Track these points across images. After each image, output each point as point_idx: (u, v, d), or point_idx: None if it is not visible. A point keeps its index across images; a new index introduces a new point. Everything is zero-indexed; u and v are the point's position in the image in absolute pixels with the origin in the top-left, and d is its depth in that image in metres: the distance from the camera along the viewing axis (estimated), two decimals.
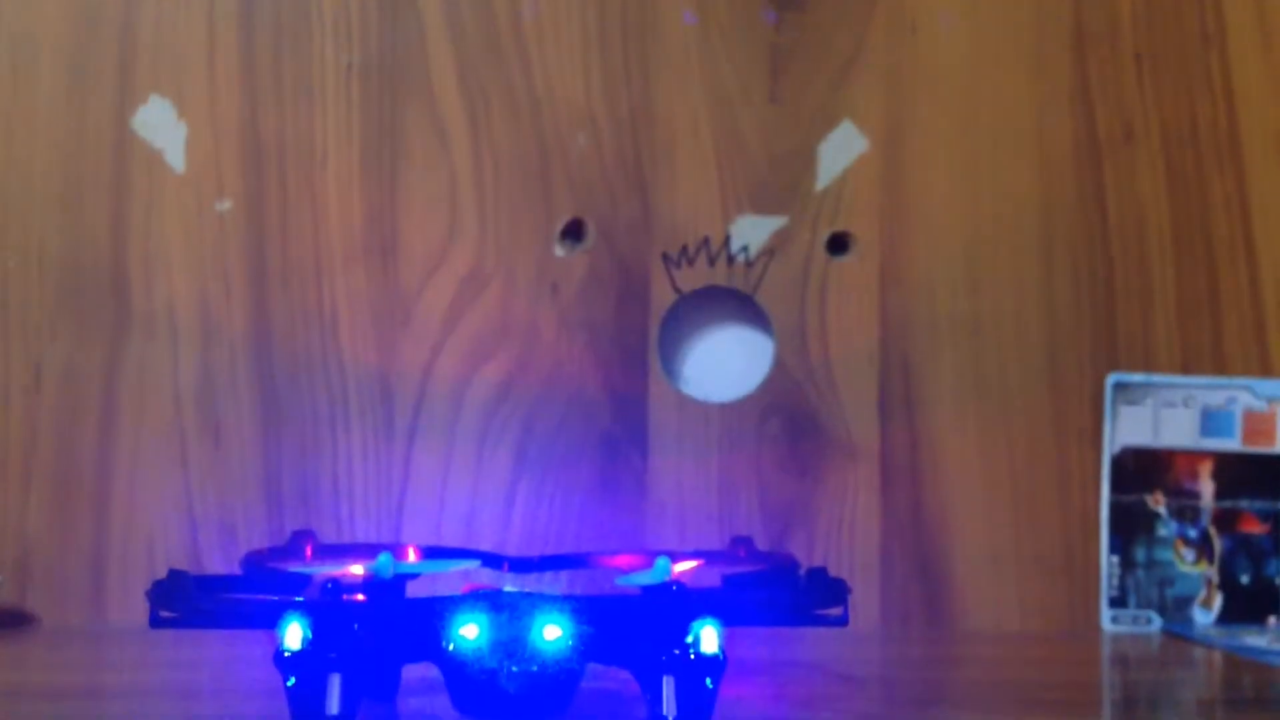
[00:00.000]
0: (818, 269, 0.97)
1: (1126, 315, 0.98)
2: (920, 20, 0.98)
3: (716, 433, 0.96)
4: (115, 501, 0.95)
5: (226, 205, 0.96)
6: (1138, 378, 0.97)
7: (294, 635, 0.59)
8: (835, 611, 0.64)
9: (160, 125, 0.95)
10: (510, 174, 0.96)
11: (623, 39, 0.97)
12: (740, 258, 0.97)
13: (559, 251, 0.97)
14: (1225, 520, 0.98)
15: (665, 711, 0.61)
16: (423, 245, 0.96)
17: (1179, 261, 0.98)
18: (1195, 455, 0.98)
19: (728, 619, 0.61)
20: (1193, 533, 0.98)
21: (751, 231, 0.97)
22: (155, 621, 0.62)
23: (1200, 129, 0.98)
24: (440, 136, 0.96)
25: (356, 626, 0.59)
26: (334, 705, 0.59)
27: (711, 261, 0.96)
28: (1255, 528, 0.98)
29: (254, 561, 0.70)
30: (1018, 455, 0.97)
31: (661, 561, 0.64)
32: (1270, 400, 0.98)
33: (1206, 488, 0.98)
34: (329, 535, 0.95)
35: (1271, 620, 0.98)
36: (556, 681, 0.60)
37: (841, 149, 0.97)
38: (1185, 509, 0.98)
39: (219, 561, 0.95)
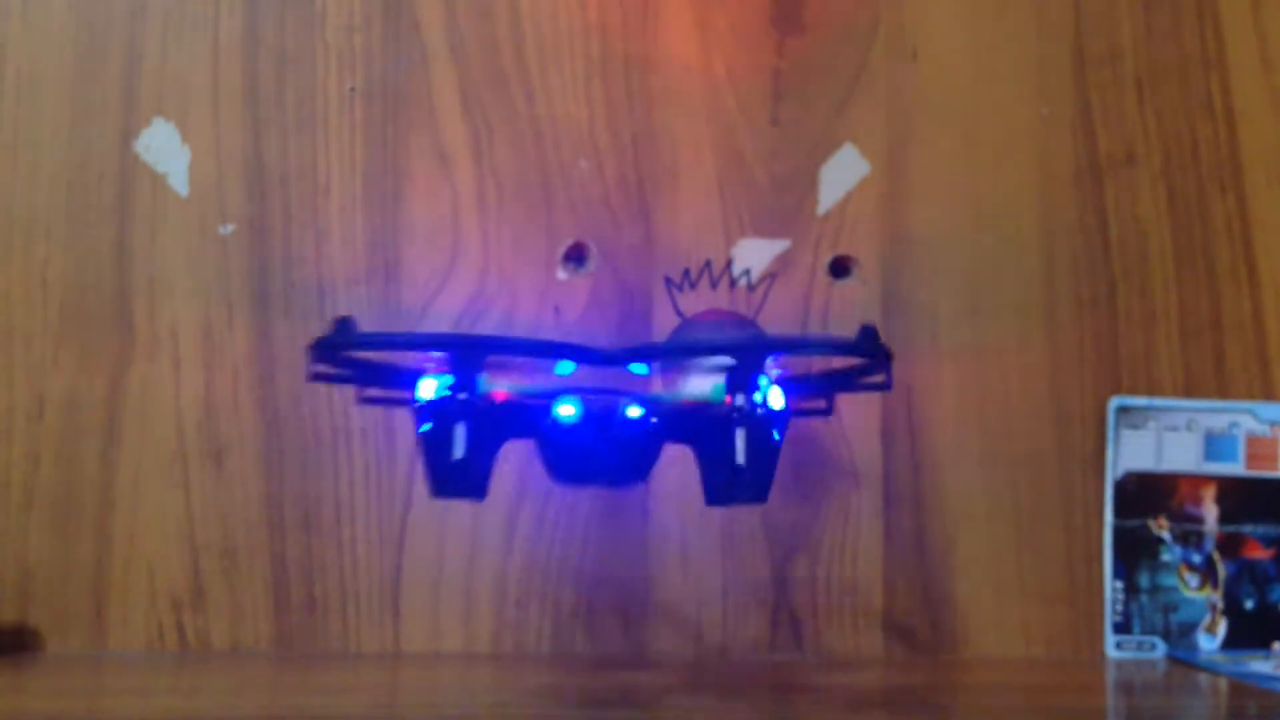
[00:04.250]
0: (820, 292, 0.97)
1: (1129, 338, 0.98)
2: (921, 44, 0.98)
3: None
4: (117, 526, 0.95)
5: (230, 229, 0.96)
6: (1140, 401, 0.97)
7: (429, 388, 0.67)
8: (879, 379, 0.72)
9: (164, 149, 0.96)
10: (513, 198, 0.97)
11: (624, 64, 0.97)
12: (742, 281, 0.97)
13: (561, 275, 0.97)
14: (1229, 545, 0.98)
15: (739, 460, 0.68)
16: (425, 269, 0.96)
17: (1181, 284, 0.98)
18: (1198, 479, 0.98)
19: (788, 384, 0.68)
20: (1196, 558, 0.98)
21: (754, 255, 0.97)
22: (313, 376, 0.71)
23: (1201, 151, 0.99)
24: (442, 161, 0.96)
25: (481, 385, 0.67)
26: (459, 449, 0.68)
27: (714, 285, 0.96)
28: (1259, 553, 0.98)
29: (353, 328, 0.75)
30: (1020, 480, 0.97)
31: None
32: (1273, 424, 0.98)
33: (1210, 512, 0.98)
34: (330, 559, 0.95)
35: (1276, 646, 0.97)
36: (637, 451, 0.70)
37: (843, 172, 0.97)
38: (1189, 534, 0.98)
39: (221, 588, 0.95)
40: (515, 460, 0.96)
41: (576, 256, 0.97)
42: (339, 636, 0.95)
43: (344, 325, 0.75)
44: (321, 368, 0.72)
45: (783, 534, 0.96)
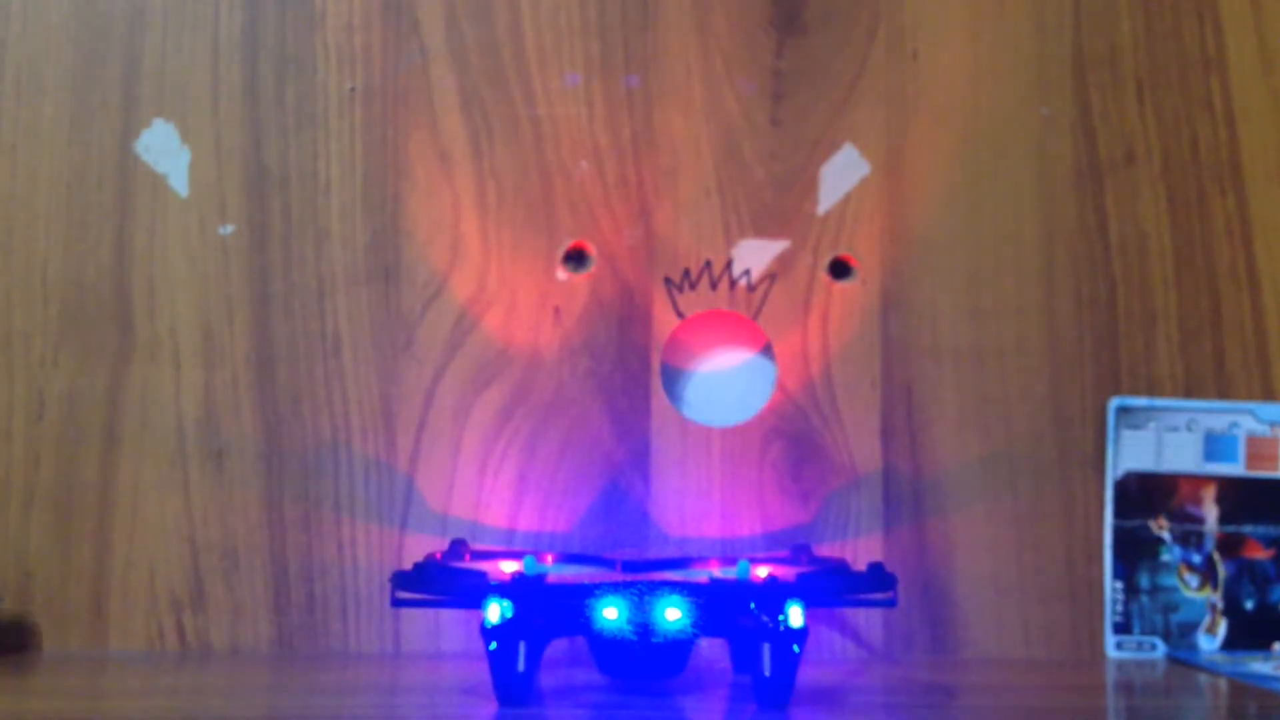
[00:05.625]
0: (820, 293, 0.97)
1: (1129, 339, 0.98)
2: (921, 44, 0.98)
3: (719, 457, 0.96)
4: (117, 527, 0.95)
5: (229, 230, 0.96)
6: (1140, 402, 0.97)
7: (495, 612, 0.78)
8: (887, 595, 0.84)
9: (164, 150, 0.96)
10: (512, 199, 0.97)
11: (624, 64, 0.97)
12: (742, 281, 0.97)
13: (561, 275, 0.97)
14: (1229, 545, 0.98)
15: (765, 671, 0.79)
16: (425, 269, 0.96)
17: (1181, 285, 0.98)
18: (1198, 480, 0.98)
19: (809, 601, 0.79)
20: (1196, 558, 0.98)
21: (753, 255, 0.97)
22: (395, 602, 0.83)
23: (1201, 152, 0.99)
24: (443, 161, 0.96)
25: (538, 606, 0.78)
26: (521, 664, 0.79)
27: (714, 285, 0.96)
28: (1259, 553, 0.98)
29: (431, 564, 0.87)
30: (1020, 480, 0.97)
31: (743, 564, 0.81)
32: (1273, 424, 0.98)
33: (1210, 512, 0.98)
34: (330, 559, 0.95)
35: (1276, 646, 0.97)
36: (676, 649, 0.82)
37: (843, 173, 0.97)
38: (1189, 534, 0.98)
39: (221, 588, 0.95)
40: (514, 458, 0.96)
41: (576, 256, 0.97)
42: (339, 636, 0.95)
43: (456, 546, 0.89)
44: (403, 594, 0.84)
45: (783, 533, 0.96)
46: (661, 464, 0.96)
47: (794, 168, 0.97)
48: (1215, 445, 0.98)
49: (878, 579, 0.84)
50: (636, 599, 0.78)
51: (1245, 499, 0.98)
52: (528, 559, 0.82)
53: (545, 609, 0.79)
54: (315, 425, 0.95)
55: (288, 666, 0.92)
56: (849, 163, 0.97)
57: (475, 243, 0.96)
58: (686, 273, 0.97)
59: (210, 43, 0.96)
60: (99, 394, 0.95)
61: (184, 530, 0.95)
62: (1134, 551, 0.97)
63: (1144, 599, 0.97)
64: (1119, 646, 0.97)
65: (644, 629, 0.78)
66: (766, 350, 0.97)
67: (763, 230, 0.97)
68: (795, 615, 0.78)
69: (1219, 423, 0.98)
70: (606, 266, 0.97)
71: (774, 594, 0.79)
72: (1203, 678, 0.92)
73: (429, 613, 0.95)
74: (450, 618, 0.95)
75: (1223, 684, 0.90)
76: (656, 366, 0.97)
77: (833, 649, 0.96)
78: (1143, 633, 0.97)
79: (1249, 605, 0.98)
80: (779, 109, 0.97)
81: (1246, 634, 0.97)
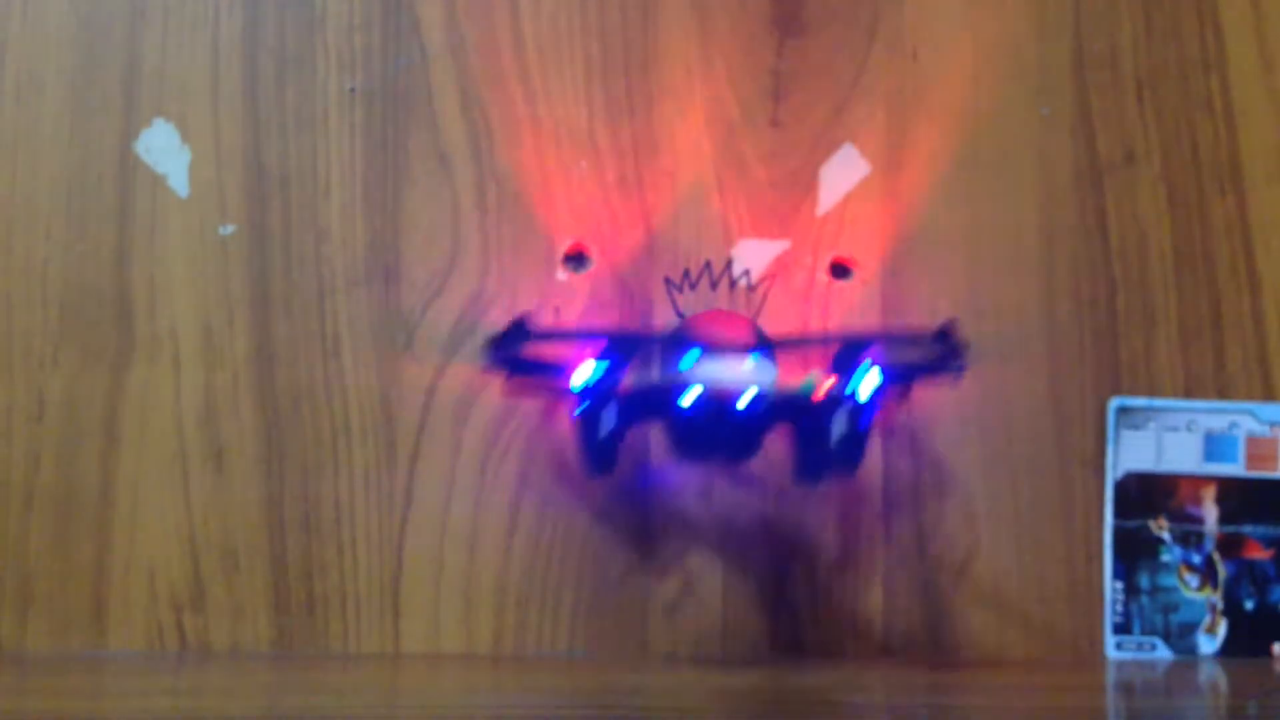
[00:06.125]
0: (820, 292, 0.97)
1: (1128, 339, 0.98)
2: (921, 44, 0.98)
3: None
4: (117, 527, 0.95)
5: (230, 230, 0.96)
6: (1140, 402, 0.97)
7: (587, 372, 0.81)
8: (957, 367, 0.88)
9: (164, 150, 0.96)
10: (513, 199, 0.97)
11: (625, 65, 0.97)
12: (742, 281, 0.97)
13: (561, 275, 0.97)
14: (1229, 546, 0.98)
15: (833, 442, 0.82)
16: (425, 270, 0.96)
17: (1181, 285, 0.98)
18: (1198, 480, 0.98)
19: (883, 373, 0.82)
20: (1196, 558, 0.98)
21: (754, 255, 0.97)
22: (490, 367, 0.87)
23: (1201, 152, 0.99)
24: (443, 161, 0.96)
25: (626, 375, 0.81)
26: (607, 428, 0.82)
27: (714, 285, 0.96)
28: (1259, 553, 0.98)
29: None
30: (1020, 480, 0.97)
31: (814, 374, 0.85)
32: (1273, 425, 0.98)
33: (1210, 513, 0.98)
34: (330, 559, 0.95)
35: (1276, 648, 0.97)
36: (749, 432, 0.84)
37: (843, 173, 0.97)
38: (1189, 534, 0.98)
39: (221, 588, 0.95)
40: (514, 458, 0.96)
41: (576, 256, 0.97)
42: (339, 636, 0.95)
43: (519, 324, 0.90)
44: (495, 362, 0.87)
45: (783, 534, 0.96)
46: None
47: (794, 168, 0.97)
48: (1215, 445, 0.98)
49: (945, 350, 0.87)
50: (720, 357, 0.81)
51: (1245, 499, 0.98)
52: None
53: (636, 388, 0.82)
54: (315, 425, 0.95)
55: (288, 666, 0.92)
56: (849, 163, 0.98)
57: (475, 243, 0.96)
58: (686, 273, 0.97)
59: (210, 43, 0.96)
60: (99, 394, 0.95)
61: (184, 530, 0.95)
62: (1134, 551, 0.97)
63: (1144, 599, 0.97)
64: (1119, 646, 0.97)
65: (721, 410, 0.81)
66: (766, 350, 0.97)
67: (763, 230, 0.97)
68: (868, 385, 0.82)
69: (1219, 423, 0.98)
70: (606, 266, 0.97)
71: (846, 360, 0.82)
72: (1203, 677, 0.92)
73: (429, 613, 0.95)
74: (451, 618, 0.95)
75: (1223, 684, 0.90)
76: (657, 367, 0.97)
77: (832, 649, 0.96)
78: (1143, 633, 0.97)
79: (1249, 605, 0.98)
80: (779, 109, 0.97)
81: (1246, 634, 0.97)
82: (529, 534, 0.95)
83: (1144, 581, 0.97)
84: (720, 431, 0.83)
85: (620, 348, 0.81)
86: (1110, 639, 0.97)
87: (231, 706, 0.82)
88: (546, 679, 0.89)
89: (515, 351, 0.87)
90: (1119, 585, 0.97)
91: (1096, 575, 0.97)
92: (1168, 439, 0.97)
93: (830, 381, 0.84)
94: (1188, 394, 0.98)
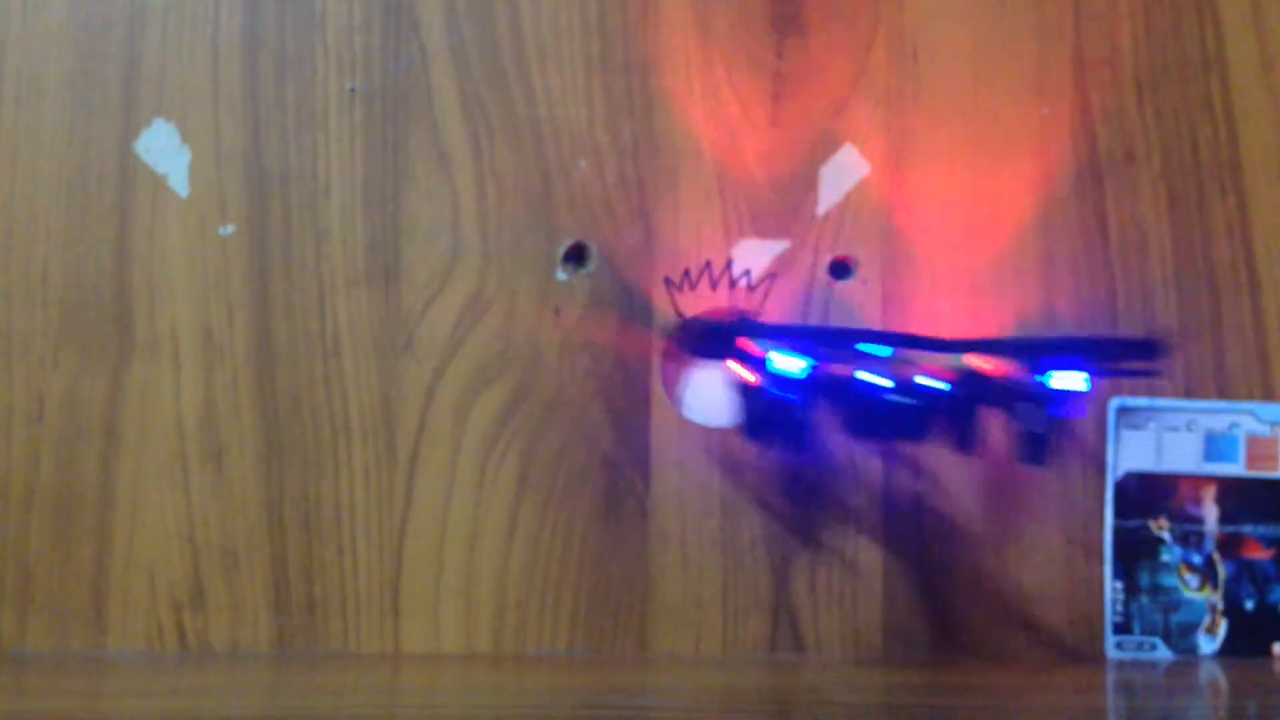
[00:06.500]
0: (820, 292, 0.97)
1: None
2: (921, 44, 0.98)
3: (719, 458, 0.96)
4: (117, 527, 0.95)
5: (230, 230, 0.96)
6: (1140, 402, 0.97)
7: (795, 365, 0.84)
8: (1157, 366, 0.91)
9: (164, 150, 0.96)
10: (513, 199, 0.97)
11: (625, 65, 0.97)
12: (742, 281, 0.97)
13: (561, 275, 0.97)
14: (1229, 546, 0.98)
15: (1024, 428, 0.86)
16: (425, 270, 0.96)
17: (1180, 285, 0.98)
18: (1198, 480, 0.98)
19: (1075, 365, 0.86)
20: (1197, 558, 0.98)
21: (753, 255, 0.97)
22: (674, 353, 0.91)
23: (1201, 152, 0.99)
24: (443, 161, 0.96)
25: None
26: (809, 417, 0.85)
27: (714, 285, 0.96)
28: (1259, 553, 0.98)
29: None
30: (1020, 480, 0.97)
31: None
32: (1273, 425, 0.98)
33: (1210, 513, 0.98)
34: (330, 560, 0.95)
35: (1276, 648, 0.97)
36: (960, 419, 0.87)
37: (843, 173, 0.97)
38: (1189, 534, 0.98)
39: (221, 588, 0.95)
40: (514, 458, 0.96)
41: (576, 256, 0.97)
42: (339, 637, 0.95)
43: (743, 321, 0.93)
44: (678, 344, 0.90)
45: (783, 534, 0.96)
46: (661, 464, 0.96)
47: (794, 168, 0.97)
48: (1215, 445, 0.98)
49: (1144, 347, 0.90)
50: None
51: (1245, 499, 0.98)
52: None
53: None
54: (315, 425, 0.95)
55: (288, 666, 0.92)
56: (849, 163, 0.98)
57: (475, 243, 0.96)
58: (686, 273, 0.97)
59: (210, 43, 0.96)
60: (99, 394, 0.95)
61: (184, 530, 0.95)
62: (1134, 552, 0.97)
63: (1144, 599, 0.97)
64: (1119, 646, 0.97)
65: (911, 392, 0.85)
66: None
67: (763, 230, 0.97)
68: (1069, 380, 0.86)
69: (1219, 423, 0.98)
70: (606, 267, 0.97)
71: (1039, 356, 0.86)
72: (1203, 677, 0.92)
73: (429, 613, 0.95)
74: (451, 618, 0.95)
75: (1222, 684, 0.90)
76: (656, 366, 0.97)
77: (832, 649, 0.96)
78: (1143, 633, 0.97)
79: (1249, 605, 0.98)
80: (779, 109, 0.97)
81: (1246, 634, 0.97)
82: (529, 534, 0.95)
83: (1144, 581, 0.97)
84: (920, 416, 0.88)
85: (824, 341, 0.86)
86: (1110, 639, 0.97)
87: (231, 706, 0.82)
88: (546, 679, 0.89)
89: (724, 344, 0.91)
90: (1119, 585, 0.97)
91: (1096, 575, 0.97)
92: (1168, 439, 0.97)
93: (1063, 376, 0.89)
94: (1188, 394, 0.98)
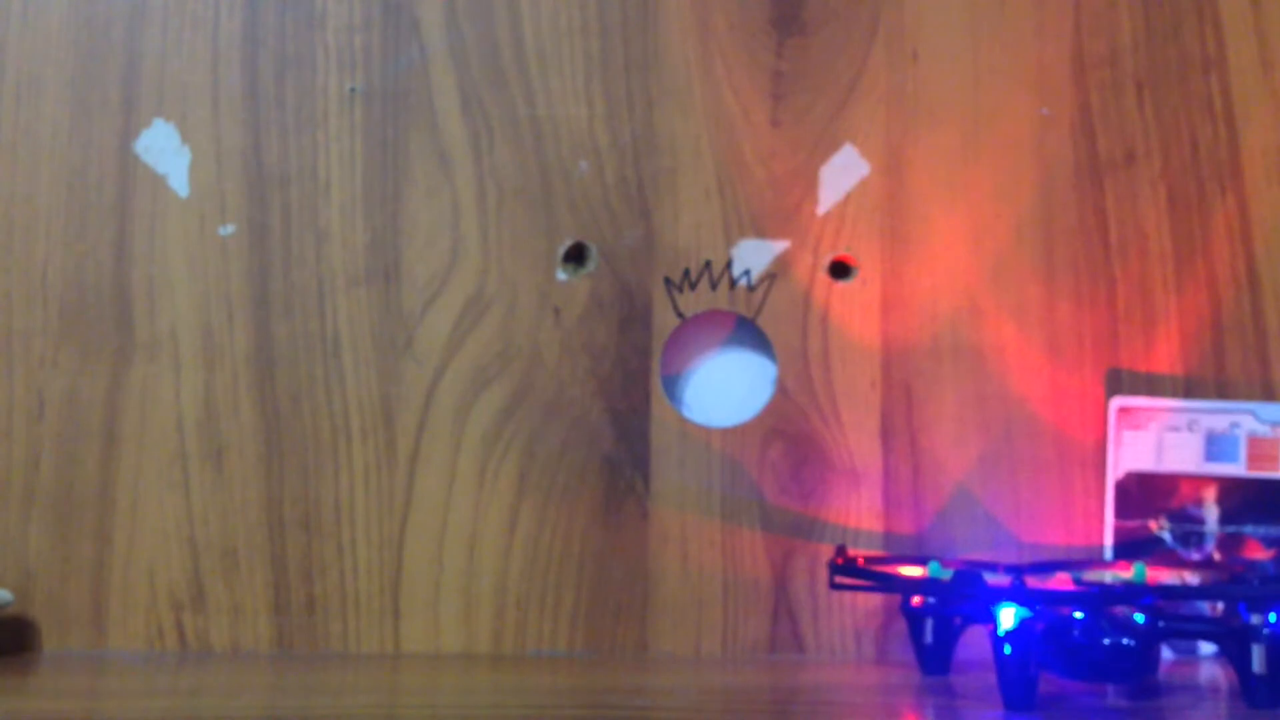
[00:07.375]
0: (820, 293, 0.97)
1: (1128, 339, 0.98)
2: (921, 44, 0.98)
3: (719, 457, 0.96)
4: (117, 527, 0.95)
5: (230, 229, 0.96)
6: (1141, 402, 0.97)
7: (1009, 616, 0.81)
8: None
9: (164, 150, 0.96)
10: (513, 199, 0.97)
11: (624, 65, 0.97)
12: (742, 282, 0.97)
13: (561, 275, 0.97)
14: (1230, 546, 0.98)
15: (1256, 669, 0.82)
16: (425, 270, 0.96)
17: (1181, 285, 0.98)
18: (1199, 480, 0.98)
19: None
20: (1197, 559, 0.98)
21: (753, 255, 0.97)
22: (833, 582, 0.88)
23: (1201, 152, 0.99)
24: (443, 162, 0.96)
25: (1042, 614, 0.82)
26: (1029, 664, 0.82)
27: (714, 285, 0.96)
28: (1260, 554, 0.98)
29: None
30: (1021, 480, 0.97)
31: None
32: (1274, 425, 0.98)
33: (1211, 513, 0.98)
34: (330, 560, 0.95)
35: None
36: (1140, 652, 0.84)
37: (843, 173, 0.97)
38: (1189, 535, 0.98)
39: (221, 588, 0.95)
40: (514, 458, 0.96)
41: (576, 256, 0.97)
42: (339, 637, 0.95)
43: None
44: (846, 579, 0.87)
45: (783, 534, 0.96)
46: (661, 464, 0.96)
47: (794, 168, 0.97)
48: (1215, 445, 0.98)
49: None
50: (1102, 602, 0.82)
51: (1246, 499, 0.98)
52: (932, 564, 0.86)
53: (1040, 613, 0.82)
54: (315, 425, 0.95)
55: (288, 666, 0.92)
56: (849, 163, 0.98)
57: (475, 243, 0.96)
58: (686, 273, 0.97)
59: (210, 43, 0.96)
60: (99, 394, 0.95)
61: (184, 530, 0.95)
62: (1134, 552, 0.97)
63: None
64: None
65: (1110, 629, 0.83)
66: (767, 350, 0.97)
67: (763, 230, 0.97)
68: None
69: (1219, 423, 0.98)
70: (606, 266, 0.97)
71: (1268, 594, 0.83)
72: (1203, 677, 0.92)
73: (429, 613, 0.95)
74: (451, 618, 0.95)
75: (1222, 683, 0.90)
76: (656, 366, 0.97)
77: (833, 649, 0.96)
78: None
79: None
80: (779, 109, 0.97)
81: None
82: (529, 534, 0.95)
83: None
84: (1114, 652, 0.84)
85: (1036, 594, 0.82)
86: None
87: (231, 706, 0.82)
88: (546, 679, 0.89)
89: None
90: None
91: None
92: (1168, 439, 0.97)
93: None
94: (1188, 393, 0.98)
